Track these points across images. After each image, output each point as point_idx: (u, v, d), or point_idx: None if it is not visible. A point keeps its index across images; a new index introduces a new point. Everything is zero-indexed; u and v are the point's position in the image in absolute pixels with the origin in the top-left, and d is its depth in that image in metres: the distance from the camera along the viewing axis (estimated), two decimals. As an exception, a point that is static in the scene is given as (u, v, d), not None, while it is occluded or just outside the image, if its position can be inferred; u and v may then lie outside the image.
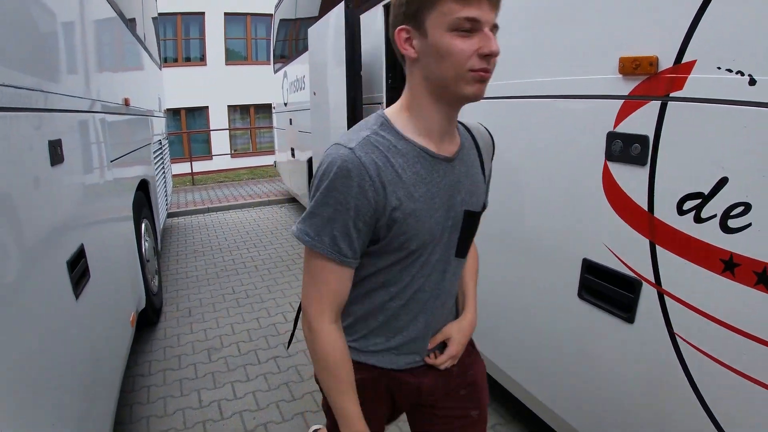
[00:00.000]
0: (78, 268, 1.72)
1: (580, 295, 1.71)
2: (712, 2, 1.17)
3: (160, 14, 7.18)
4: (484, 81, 0.91)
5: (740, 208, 1.16)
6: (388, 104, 3.32)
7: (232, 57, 13.93)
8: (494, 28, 0.92)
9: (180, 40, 13.18)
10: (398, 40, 0.94)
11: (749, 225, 1.14)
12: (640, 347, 1.50)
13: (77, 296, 1.66)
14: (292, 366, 3.00)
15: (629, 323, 1.52)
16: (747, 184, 1.15)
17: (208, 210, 7.79)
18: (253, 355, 3.16)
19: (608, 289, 1.59)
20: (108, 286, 2.18)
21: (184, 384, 2.84)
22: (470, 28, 0.87)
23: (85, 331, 1.78)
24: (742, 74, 1.13)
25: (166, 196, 5.68)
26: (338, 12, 2.97)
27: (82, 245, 1.79)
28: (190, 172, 10.56)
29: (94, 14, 2.59)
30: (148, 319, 3.39)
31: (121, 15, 3.37)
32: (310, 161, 5.40)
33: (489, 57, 0.90)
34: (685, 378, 1.35)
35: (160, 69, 6.69)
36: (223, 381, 2.87)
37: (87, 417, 1.68)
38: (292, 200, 8.17)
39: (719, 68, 1.18)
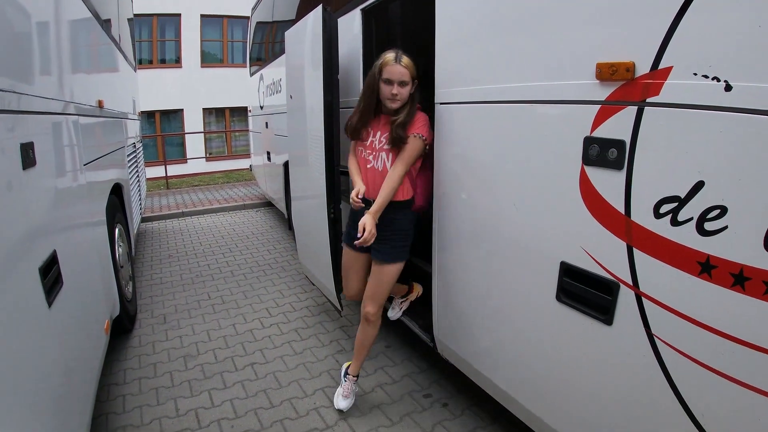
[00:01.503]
0: (51, 275, 1.67)
1: (558, 298, 1.73)
2: (689, 9, 1.20)
3: (135, 15, 7.07)
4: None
5: (716, 211, 1.19)
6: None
7: (207, 59, 13.77)
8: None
9: (155, 41, 12.98)
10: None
11: (725, 227, 1.17)
12: (619, 349, 1.52)
13: (50, 304, 1.61)
14: (270, 372, 2.97)
15: (608, 325, 1.54)
16: (723, 187, 1.17)
17: (183, 214, 7.66)
18: (230, 362, 3.11)
19: (586, 292, 1.61)
20: (81, 293, 2.12)
21: (160, 392, 2.78)
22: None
23: (59, 340, 1.73)
24: (718, 80, 1.15)
25: (140, 200, 5.57)
26: (316, 15, 2.96)
27: (54, 251, 1.74)
28: (164, 175, 10.38)
29: (69, 14, 2.53)
30: (122, 326, 3.31)
31: (96, 15, 3.30)
32: (286, 165, 5.36)
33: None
34: (664, 378, 1.37)
35: (135, 71, 6.57)
36: (199, 389, 2.82)
37: (61, 427, 1.63)
38: (268, 204, 8.09)
39: (695, 74, 1.20)
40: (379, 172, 2.32)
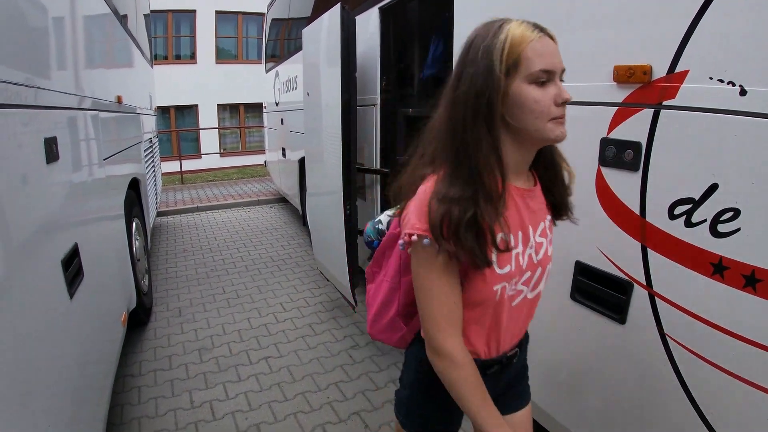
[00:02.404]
0: (72, 268, 1.71)
1: (573, 297, 1.73)
2: (705, 14, 1.20)
3: (151, 11, 7.14)
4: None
5: (729, 214, 1.19)
6: (383, 106, 3.35)
7: (222, 55, 13.86)
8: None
9: (171, 37, 13.09)
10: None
11: (738, 230, 1.18)
12: (632, 348, 1.52)
13: (71, 296, 1.65)
14: (284, 366, 3.00)
15: (621, 324, 1.54)
16: (736, 190, 1.18)
17: (198, 209, 7.74)
18: (244, 356, 3.15)
19: (601, 291, 1.62)
20: (100, 286, 2.17)
21: (175, 384, 2.83)
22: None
23: (79, 331, 1.77)
24: (734, 84, 1.16)
25: (155, 194, 5.64)
26: (334, 13, 2.97)
27: (76, 244, 1.78)
28: (179, 170, 10.49)
29: (90, 10, 2.57)
30: (138, 318, 3.36)
31: (114, 11, 3.35)
32: (301, 161, 5.39)
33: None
34: (676, 378, 1.37)
35: (151, 66, 6.64)
36: (214, 381, 2.86)
37: (80, 418, 1.67)
38: (282, 200, 8.14)
39: (711, 78, 1.21)
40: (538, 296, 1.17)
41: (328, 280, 4.15)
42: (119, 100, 3.29)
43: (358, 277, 3.33)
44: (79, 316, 1.77)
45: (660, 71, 1.34)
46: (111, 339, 2.32)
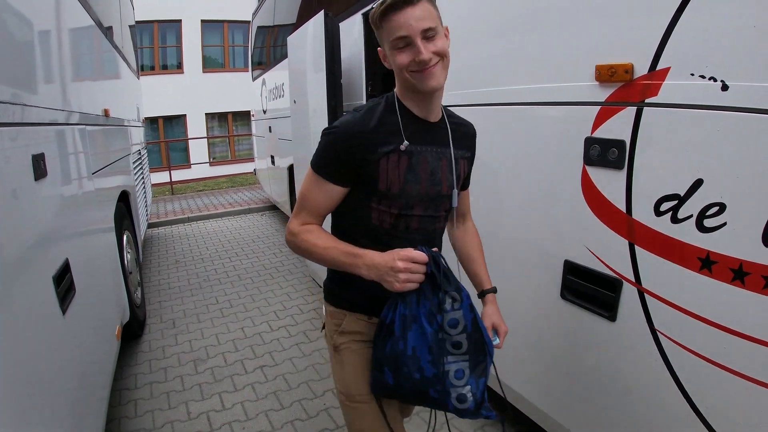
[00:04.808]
0: (64, 283, 1.70)
1: (563, 296, 1.75)
2: (685, 11, 1.23)
3: (137, 22, 7.11)
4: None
5: (715, 208, 1.21)
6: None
7: (209, 64, 13.83)
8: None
9: (157, 48, 13.05)
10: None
11: (724, 224, 1.20)
12: (623, 344, 1.54)
13: (64, 312, 1.65)
14: (279, 375, 3.00)
15: (611, 321, 1.56)
16: (721, 185, 1.20)
17: (189, 219, 7.70)
18: (239, 365, 3.14)
19: (590, 289, 1.64)
20: (93, 300, 2.16)
21: (171, 396, 2.82)
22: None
23: (73, 347, 1.76)
24: (715, 80, 1.18)
25: (146, 206, 5.61)
26: (317, 20, 2.99)
27: (67, 260, 1.77)
28: (169, 181, 10.44)
29: (73, 23, 2.56)
30: (132, 331, 3.35)
31: (99, 23, 3.34)
32: (291, 168, 5.39)
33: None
34: (668, 373, 1.39)
35: (138, 78, 6.62)
36: (210, 392, 2.85)
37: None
38: (273, 208, 8.12)
39: (693, 74, 1.23)
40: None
41: (320, 287, 4.14)
42: (106, 113, 3.28)
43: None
44: (73, 332, 1.76)
45: (641, 69, 1.36)
46: (106, 353, 2.31)
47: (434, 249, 1.18)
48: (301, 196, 1.29)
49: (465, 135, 1.40)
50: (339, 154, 1.20)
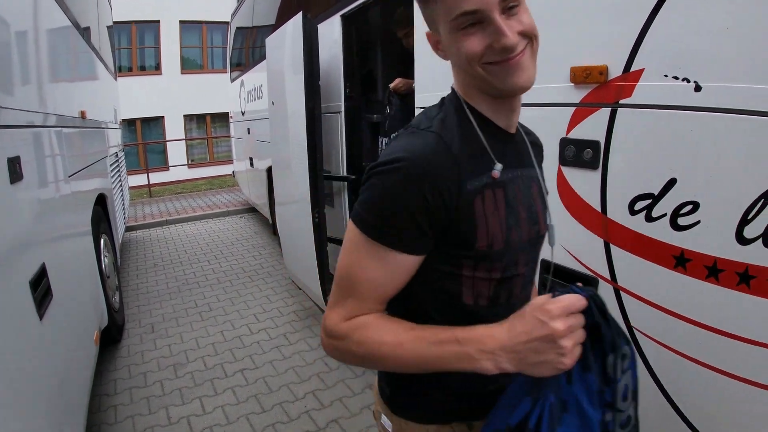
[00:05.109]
0: (41, 288, 1.68)
1: (540, 294, 1.78)
2: (659, 13, 1.26)
3: (114, 23, 7.01)
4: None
5: (689, 207, 1.24)
6: (347, 114, 3.37)
7: (187, 65, 13.66)
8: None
9: (135, 48, 12.85)
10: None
11: (698, 222, 1.22)
12: (599, 343, 1.57)
13: (41, 317, 1.62)
14: (260, 378, 2.99)
15: (588, 320, 1.59)
16: (694, 184, 1.23)
17: (167, 222, 7.61)
18: (219, 369, 3.12)
19: (567, 288, 1.66)
20: (71, 305, 2.13)
21: (151, 402, 2.78)
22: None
23: (51, 352, 1.74)
24: (688, 81, 1.21)
25: (123, 209, 5.53)
26: (296, 22, 2.99)
27: (43, 264, 1.75)
28: (146, 183, 10.29)
29: (49, 23, 2.52)
30: (111, 336, 3.30)
31: (75, 24, 3.29)
32: (269, 170, 5.37)
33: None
34: (646, 369, 1.42)
35: (115, 79, 6.52)
36: (191, 396, 2.82)
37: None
38: (252, 210, 8.07)
39: (666, 76, 1.26)
40: None
41: (300, 289, 4.14)
42: (83, 115, 3.23)
43: (329, 284, 3.33)
44: (51, 337, 1.74)
45: (616, 71, 1.38)
46: (84, 359, 2.28)
47: (578, 284, 0.79)
48: (345, 276, 0.82)
49: (538, 147, 1.05)
50: (416, 201, 0.75)
